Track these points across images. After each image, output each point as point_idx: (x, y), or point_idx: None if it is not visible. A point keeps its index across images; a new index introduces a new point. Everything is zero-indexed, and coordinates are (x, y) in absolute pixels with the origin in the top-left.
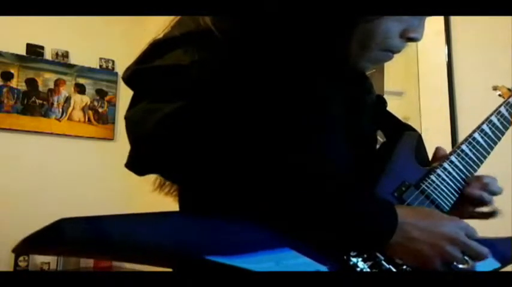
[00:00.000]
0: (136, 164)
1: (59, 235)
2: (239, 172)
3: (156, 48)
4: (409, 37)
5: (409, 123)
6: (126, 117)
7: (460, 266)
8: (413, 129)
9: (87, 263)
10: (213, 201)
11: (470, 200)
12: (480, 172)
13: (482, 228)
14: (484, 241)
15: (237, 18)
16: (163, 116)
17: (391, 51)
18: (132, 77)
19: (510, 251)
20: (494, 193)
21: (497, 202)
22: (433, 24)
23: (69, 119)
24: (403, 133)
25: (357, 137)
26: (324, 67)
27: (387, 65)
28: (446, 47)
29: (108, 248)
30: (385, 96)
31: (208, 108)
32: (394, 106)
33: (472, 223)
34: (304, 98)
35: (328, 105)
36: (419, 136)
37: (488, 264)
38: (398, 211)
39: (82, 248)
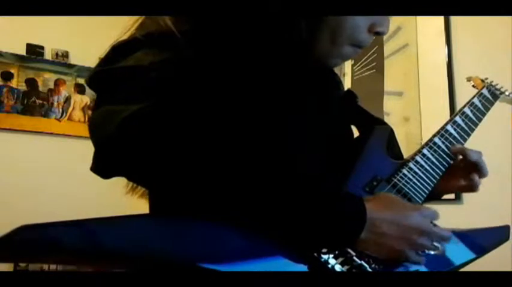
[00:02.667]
0: (101, 167)
1: (18, 243)
2: (204, 172)
3: (117, 51)
4: (376, 31)
5: (409, 123)
6: (88, 120)
7: (432, 252)
8: (385, 124)
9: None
10: (180, 201)
11: (468, 169)
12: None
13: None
14: (460, 234)
15: (199, 17)
16: (123, 119)
17: (358, 46)
18: (93, 79)
19: (485, 242)
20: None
21: (496, 200)
22: (433, 24)
23: (69, 119)
24: (374, 128)
25: (327, 134)
26: (290, 65)
27: (387, 65)
28: (446, 47)
29: (68, 255)
30: (385, 96)
31: (169, 109)
32: (394, 106)
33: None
34: (270, 97)
35: (296, 104)
36: (391, 130)
37: (463, 255)
38: (367, 205)
39: (42, 255)
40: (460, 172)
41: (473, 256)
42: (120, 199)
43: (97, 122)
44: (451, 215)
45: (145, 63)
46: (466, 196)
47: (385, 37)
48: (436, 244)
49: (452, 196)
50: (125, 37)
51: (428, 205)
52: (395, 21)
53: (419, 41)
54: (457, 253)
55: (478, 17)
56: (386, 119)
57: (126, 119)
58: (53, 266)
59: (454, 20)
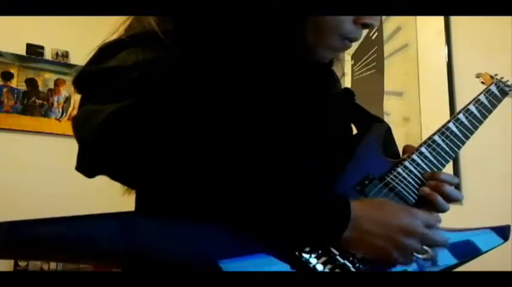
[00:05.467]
0: (84, 166)
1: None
2: (185, 170)
3: (103, 52)
4: (363, 23)
5: (409, 123)
6: (72, 120)
7: (420, 256)
8: (382, 121)
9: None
10: (163, 200)
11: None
12: (480, 171)
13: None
14: (459, 233)
15: (184, 17)
16: (105, 117)
17: (347, 39)
18: (78, 79)
19: (484, 242)
20: (448, 198)
21: (496, 200)
22: (433, 24)
23: (69, 119)
24: (370, 126)
25: (323, 132)
26: (279, 63)
27: (387, 65)
28: (446, 47)
29: (44, 250)
30: (385, 96)
31: (150, 107)
32: (394, 106)
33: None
34: (260, 96)
35: (290, 101)
36: (388, 128)
37: (460, 255)
38: (353, 204)
39: (21, 251)
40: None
41: (470, 256)
42: (121, 198)
43: (79, 121)
44: (451, 215)
45: (129, 63)
46: (466, 196)
47: (385, 37)
48: (426, 247)
49: None
50: (112, 38)
51: None
52: (395, 21)
53: (419, 41)
54: (454, 252)
55: (478, 17)
56: (386, 119)
57: (107, 117)
58: (53, 266)
59: (454, 20)
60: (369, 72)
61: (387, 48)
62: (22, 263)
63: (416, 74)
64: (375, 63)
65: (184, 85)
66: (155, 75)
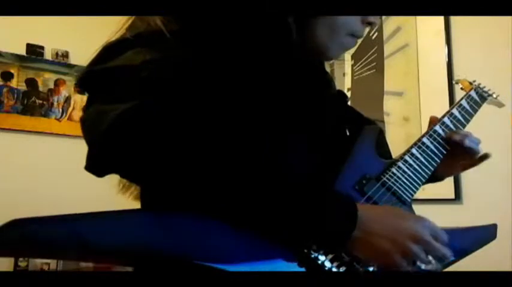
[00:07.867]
0: (94, 165)
1: (10, 236)
2: (194, 170)
3: (108, 51)
4: (369, 22)
5: (409, 123)
6: (80, 120)
7: (423, 266)
8: (374, 123)
9: (87, 263)
10: (171, 199)
11: (462, 151)
12: (480, 171)
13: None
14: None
15: (190, 17)
16: (115, 117)
17: (355, 36)
18: (84, 79)
19: (471, 241)
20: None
21: (496, 200)
22: (433, 24)
23: (69, 119)
24: (363, 127)
25: (319, 134)
26: (280, 65)
27: (387, 65)
28: (446, 47)
29: (57, 249)
30: (385, 96)
31: (159, 107)
32: (394, 106)
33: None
34: (261, 98)
35: (286, 103)
36: (381, 130)
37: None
38: (363, 206)
39: (34, 249)
40: (458, 155)
41: (458, 255)
42: (120, 199)
43: (89, 121)
44: (451, 215)
45: (136, 62)
46: (466, 196)
47: (385, 37)
48: (430, 258)
49: (452, 196)
50: (115, 37)
51: (426, 205)
52: (395, 21)
53: (419, 41)
54: None
55: (478, 17)
56: (386, 119)
57: (117, 117)
58: (53, 266)
59: (454, 20)
60: (369, 72)
61: (387, 48)
62: (22, 263)
63: (416, 74)
64: (375, 63)
65: (193, 85)
66: (164, 76)
